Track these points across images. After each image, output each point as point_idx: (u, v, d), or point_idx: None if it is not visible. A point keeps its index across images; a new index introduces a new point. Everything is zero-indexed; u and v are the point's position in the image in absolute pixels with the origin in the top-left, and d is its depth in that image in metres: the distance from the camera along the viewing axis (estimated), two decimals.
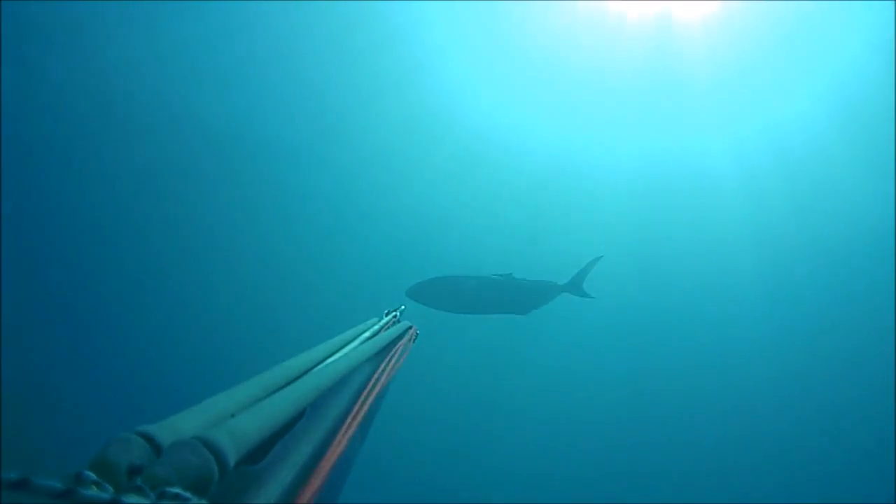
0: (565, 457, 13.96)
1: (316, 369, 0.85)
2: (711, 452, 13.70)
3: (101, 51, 10.97)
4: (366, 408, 0.84)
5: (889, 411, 12.09)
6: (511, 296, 6.56)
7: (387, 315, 1.37)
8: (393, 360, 1.06)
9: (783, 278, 13.51)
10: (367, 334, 1.11)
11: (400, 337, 1.22)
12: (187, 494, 0.44)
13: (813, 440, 13.54)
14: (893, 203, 11.79)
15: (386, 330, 1.22)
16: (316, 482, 0.61)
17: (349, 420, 0.78)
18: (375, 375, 0.96)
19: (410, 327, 1.35)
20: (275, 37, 11.28)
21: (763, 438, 13.72)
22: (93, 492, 0.42)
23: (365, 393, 0.88)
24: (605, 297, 7.96)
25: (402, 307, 1.47)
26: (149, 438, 0.51)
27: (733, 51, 11.09)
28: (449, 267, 7.36)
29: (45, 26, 10.47)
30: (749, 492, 13.45)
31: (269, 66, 11.67)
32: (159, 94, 11.60)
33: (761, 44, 10.96)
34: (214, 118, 12.16)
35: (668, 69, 11.45)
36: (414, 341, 1.30)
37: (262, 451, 0.65)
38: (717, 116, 12.01)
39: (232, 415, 0.61)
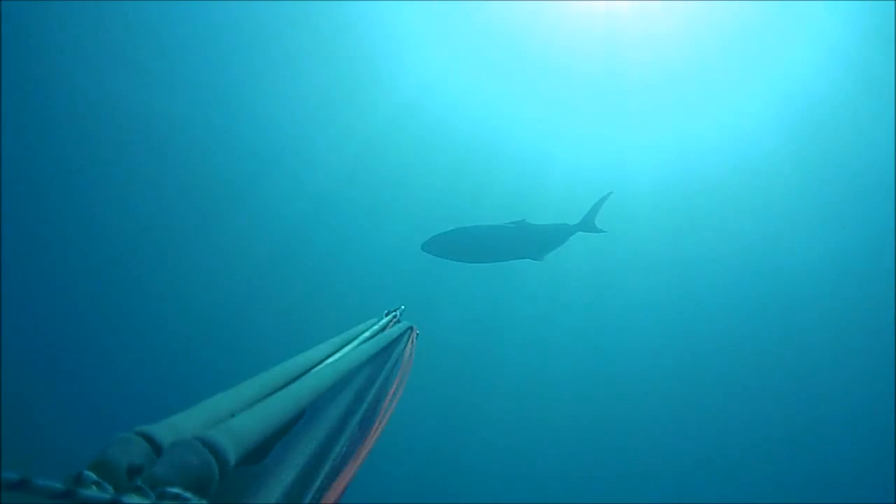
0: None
1: (316, 369, 0.85)
2: (710, 451, 13.70)
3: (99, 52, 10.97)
4: (390, 411, 0.84)
5: (889, 411, 12.10)
6: (525, 240, 6.60)
7: (387, 315, 1.36)
8: (403, 362, 1.06)
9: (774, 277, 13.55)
10: (366, 334, 1.10)
11: (400, 337, 1.21)
12: (187, 495, 0.44)
13: (812, 440, 13.54)
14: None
15: (386, 330, 1.22)
16: (343, 482, 0.61)
17: (376, 424, 0.78)
18: (383, 378, 0.95)
19: (411, 327, 1.34)
20: (249, 40, 11.22)
21: (763, 438, 13.72)
22: (93, 492, 0.42)
23: (384, 398, 0.88)
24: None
25: (402, 307, 1.46)
26: (149, 438, 0.51)
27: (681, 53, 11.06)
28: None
29: (45, 26, 10.47)
30: (749, 492, 13.45)
31: (244, 70, 11.60)
32: (149, 100, 11.59)
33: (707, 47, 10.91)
34: (215, 120, 12.18)
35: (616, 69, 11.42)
36: (415, 341, 1.30)
37: (263, 451, 0.64)
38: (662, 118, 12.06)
39: (232, 415, 0.61)
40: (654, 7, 10.40)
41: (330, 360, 0.90)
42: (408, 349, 1.16)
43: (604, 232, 6.95)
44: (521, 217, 6.64)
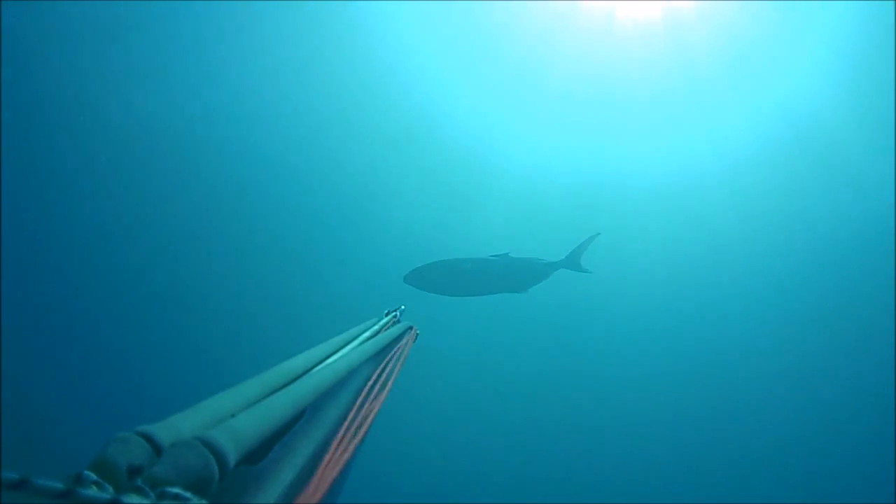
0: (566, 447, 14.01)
1: (316, 369, 0.85)
2: (711, 451, 13.69)
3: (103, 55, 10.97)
4: (375, 410, 0.84)
5: (889, 411, 12.09)
6: (508, 274, 6.56)
7: (387, 315, 1.37)
8: (394, 362, 1.06)
9: (769, 276, 13.59)
10: (366, 334, 1.11)
11: (400, 337, 1.21)
12: (187, 494, 0.44)
13: (813, 440, 13.53)
14: None
15: (386, 330, 1.22)
16: (323, 483, 0.61)
17: (357, 422, 0.78)
18: (378, 377, 0.95)
19: (411, 327, 1.34)
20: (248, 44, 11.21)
21: (763, 438, 13.72)
22: (93, 492, 0.42)
23: (372, 395, 0.88)
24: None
25: (403, 307, 1.46)
26: (149, 438, 0.51)
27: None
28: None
29: (45, 26, 10.47)
30: (749, 492, 13.44)
31: (246, 72, 11.59)
32: (153, 101, 11.61)
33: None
34: (214, 126, 12.21)
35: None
36: (414, 341, 1.30)
37: (262, 451, 0.64)
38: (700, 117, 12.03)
39: (232, 415, 0.61)
40: (657, 11, 10.37)
41: (330, 360, 0.90)
42: (401, 348, 1.16)
43: (588, 272, 6.88)
44: (504, 250, 6.57)
